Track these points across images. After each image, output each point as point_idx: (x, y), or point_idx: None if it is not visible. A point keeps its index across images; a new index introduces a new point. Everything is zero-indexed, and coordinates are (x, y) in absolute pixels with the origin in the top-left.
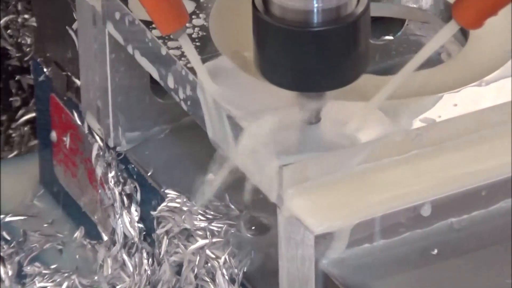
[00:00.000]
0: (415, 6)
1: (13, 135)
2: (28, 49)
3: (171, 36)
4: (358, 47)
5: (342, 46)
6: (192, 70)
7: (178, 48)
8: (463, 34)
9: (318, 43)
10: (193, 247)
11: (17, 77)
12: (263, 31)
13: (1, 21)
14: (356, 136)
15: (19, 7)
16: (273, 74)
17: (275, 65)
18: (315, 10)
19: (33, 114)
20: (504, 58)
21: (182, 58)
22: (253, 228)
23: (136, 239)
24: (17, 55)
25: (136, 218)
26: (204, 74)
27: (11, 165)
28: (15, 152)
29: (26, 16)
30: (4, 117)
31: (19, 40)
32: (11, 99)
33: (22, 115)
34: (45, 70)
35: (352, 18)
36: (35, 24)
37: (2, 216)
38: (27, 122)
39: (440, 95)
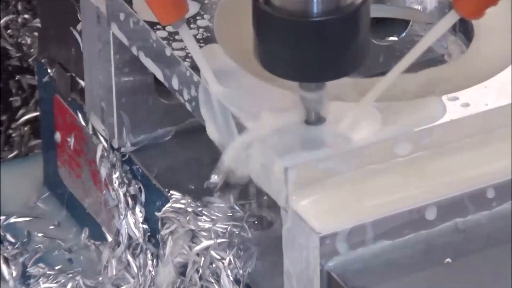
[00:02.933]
0: (419, 7)
1: (13, 135)
2: (28, 49)
3: (171, 27)
4: (358, 37)
5: (342, 36)
6: (196, 70)
7: (183, 49)
8: (467, 37)
9: (318, 33)
10: (197, 248)
11: (17, 77)
12: (263, 22)
13: (1, 21)
14: (358, 137)
15: (19, 7)
16: (273, 64)
17: (275, 56)
18: (315, 0)
19: (33, 114)
20: (507, 60)
21: (187, 59)
22: (257, 229)
23: (140, 240)
24: (17, 55)
25: (141, 219)
26: (204, 63)
27: (12, 166)
28: (15, 152)
29: (26, 16)
30: (4, 117)
31: (19, 40)
32: (11, 99)
33: (22, 115)
34: (49, 71)
35: (352, 8)
36: (35, 24)
37: (3, 217)
38: (27, 122)
39: (443, 96)
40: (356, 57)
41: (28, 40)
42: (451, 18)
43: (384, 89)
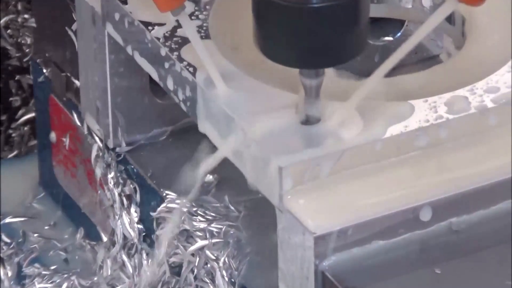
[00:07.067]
0: (414, 7)
1: (13, 135)
2: (28, 49)
3: (170, 14)
4: (358, 23)
5: (342, 22)
6: (191, 70)
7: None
8: (462, 35)
9: (318, 19)
10: (192, 248)
11: (17, 77)
12: (263, 8)
13: (1, 21)
14: (351, 137)
15: (19, 7)
16: (273, 51)
17: (275, 42)
18: None
19: (33, 114)
20: (503, 58)
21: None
22: (252, 229)
23: (135, 240)
24: (17, 55)
25: (136, 219)
26: (202, 50)
27: (11, 165)
28: (15, 152)
29: (26, 16)
30: (4, 117)
31: (19, 40)
32: (11, 99)
33: (22, 115)
34: (44, 71)
35: None
36: (34, 24)
37: (0, 216)
38: (27, 122)
39: (439, 96)
40: (356, 44)
41: (28, 40)
42: (449, 5)
43: (377, 82)
